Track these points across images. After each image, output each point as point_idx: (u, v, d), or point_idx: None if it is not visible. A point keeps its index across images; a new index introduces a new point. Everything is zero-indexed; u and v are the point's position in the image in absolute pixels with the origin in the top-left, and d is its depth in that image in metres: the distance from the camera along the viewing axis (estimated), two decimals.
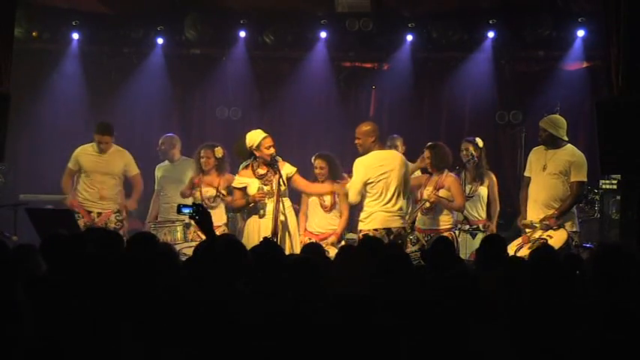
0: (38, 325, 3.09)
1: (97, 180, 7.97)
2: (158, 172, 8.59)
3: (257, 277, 3.77)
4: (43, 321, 3.14)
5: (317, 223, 7.49)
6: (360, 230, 6.84)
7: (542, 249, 5.10)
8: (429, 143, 7.76)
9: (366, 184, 6.77)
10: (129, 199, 8.21)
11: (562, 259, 4.49)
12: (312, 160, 7.59)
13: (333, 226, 7.46)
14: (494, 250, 4.92)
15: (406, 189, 6.96)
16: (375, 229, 6.66)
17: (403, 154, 8.33)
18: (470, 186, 7.87)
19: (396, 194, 6.76)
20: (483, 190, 7.91)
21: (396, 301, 3.46)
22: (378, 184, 6.74)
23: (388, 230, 6.66)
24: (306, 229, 7.49)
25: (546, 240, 6.69)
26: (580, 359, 3.24)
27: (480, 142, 7.92)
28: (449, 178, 7.51)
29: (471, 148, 7.85)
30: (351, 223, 7.83)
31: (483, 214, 7.94)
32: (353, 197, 6.91)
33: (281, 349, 3.13)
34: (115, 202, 8.03)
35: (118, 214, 7.99)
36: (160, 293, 3.53)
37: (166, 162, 8.63)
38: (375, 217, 6.72)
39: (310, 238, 7.36)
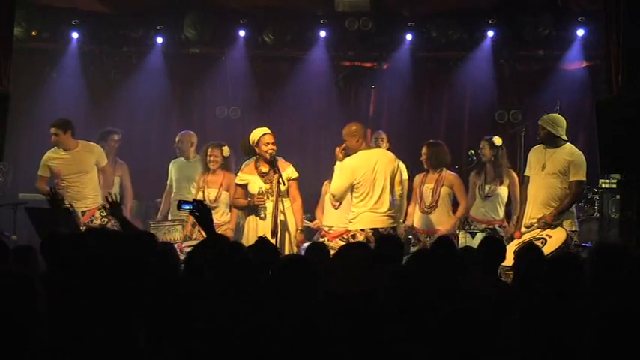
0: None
1: (74, 180, 7.74)
2: (172, 168, 8.55)
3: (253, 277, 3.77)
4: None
5: (329, 220, 7.51)
6: (349, 231, 6.83)
7: (527, 248, 5.06)
8: (429, 141, 7.75)
9: (353, 186, 6.73)
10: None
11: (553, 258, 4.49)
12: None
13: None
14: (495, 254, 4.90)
15: (394, 187, 6.81)
16: (362, 230, 6.62)
17: (387, 150, 8.36)
18: (489, 186, 7.82)
19: (383, 194, 6.67)
20: (503, 190, 7.82)
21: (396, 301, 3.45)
22: (364, 185, 6.68)
23: (375, 230, 6.58)
24: (323, 225, 7.51)
25: (545, 239, 6.67)
26: (579, 359, 3.24)
27: (497, 140, 7.84)
28: (450, 176, 7.51)
29: (486, 146, 7.84)
30: None
31: (501, 215, 7.85)
32: (339, 196, 6.89)
33: (276, 349, 3.13)
34: (96, 198, 7.80)
35: (102, 210, 7.72)
36: (160, 292, 3.53)
37: (181, 159, 8.61)
38: (362, 218, 6.67)
39: (324, 235, 7.38)
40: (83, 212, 7.73)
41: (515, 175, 7.94)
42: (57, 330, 2.96)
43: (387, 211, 6.69)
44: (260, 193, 6.90)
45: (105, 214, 7.68)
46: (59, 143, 7.84)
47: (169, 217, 8.35)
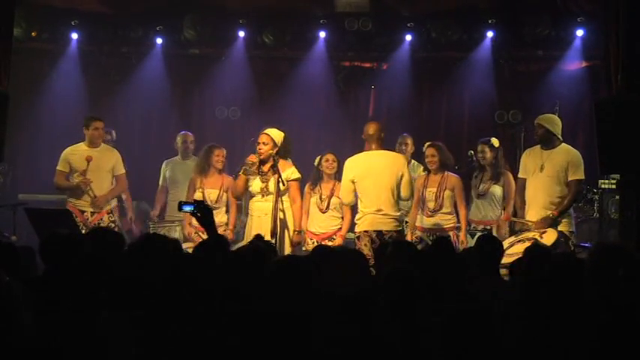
0: (36, 325, 3.09)
1: (90, 177, 7.63)
2: (167, 168, 8.55)
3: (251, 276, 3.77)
4: (41, 321, 3.14)
5: (317, 224, 7.49)
6: (355, 232, 6.83)
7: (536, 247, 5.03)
8: (431, 142, 7.68)
9: (353, 183, 6.74)
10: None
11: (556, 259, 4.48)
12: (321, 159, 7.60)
13: (333, 226, 7.45)
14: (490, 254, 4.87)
15: (400, 190, 6.73)
16: (366, 231, 6.61)
17: (412, 153, 8.38)
18: (484, 185, 7.78)
19: (386, 196, 6.64)
20: (497, 189, 7.73)
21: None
22: (365, 185, 6.68)
23: (379, 232, 6.55)
24: (307, 230, 7.46)
25: (537, 239, 6.61)
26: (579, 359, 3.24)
27: (495, 142, 7.82)
28: (452, 178, 7.44)
29: (487, 149, 7.81)
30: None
31: (498, 214, 7.70)
32: (344, 198, 6.95)
33: (273, 350, 3.13)
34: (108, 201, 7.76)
35: (110, 214, 7.73)
36: (160, 292, 3.53)
37: (175, 158, 8.60)
38: (366, 220, 6.65)
39: (311, 239, 7.37)
40: (92, 213, 7.67)
41: (510, 175, 7.91)
42: (51, 331, 2.96)
43: (392, 212, 6.66)
44: (258, 191, 6.99)
45: (113, 217, 7.71)
46: (97, 138, 7.82)
47: (166, 217, 8.35)
